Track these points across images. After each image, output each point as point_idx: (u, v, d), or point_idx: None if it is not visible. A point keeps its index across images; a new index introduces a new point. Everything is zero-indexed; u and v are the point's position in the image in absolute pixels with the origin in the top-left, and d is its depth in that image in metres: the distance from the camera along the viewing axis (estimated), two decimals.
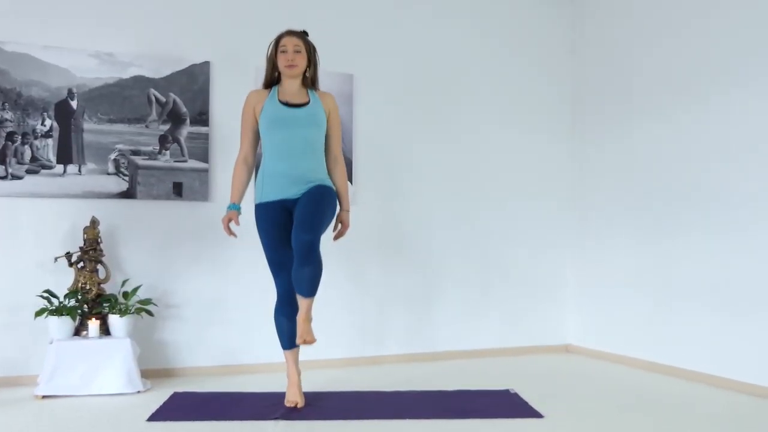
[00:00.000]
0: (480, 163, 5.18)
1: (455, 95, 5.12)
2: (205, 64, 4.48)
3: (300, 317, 3.26)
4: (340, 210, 3.62)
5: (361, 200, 4.73)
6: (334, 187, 3.53)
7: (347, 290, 4.74)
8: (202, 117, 4.46)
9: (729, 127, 4.07)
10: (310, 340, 3.23)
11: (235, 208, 3.47)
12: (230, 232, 3.46)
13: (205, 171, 4.44)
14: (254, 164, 3.57)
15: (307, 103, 3.46)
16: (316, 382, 3.99)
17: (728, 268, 4.02)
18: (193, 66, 4.45)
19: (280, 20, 4.63)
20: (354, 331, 4.77)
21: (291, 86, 3.50)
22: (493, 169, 5.22)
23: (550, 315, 5.35)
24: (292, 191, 3.40)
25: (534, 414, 3.35)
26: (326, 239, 3.48)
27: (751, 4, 3.95)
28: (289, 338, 3.49)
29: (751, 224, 3.90)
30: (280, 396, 3.65)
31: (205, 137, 4.46)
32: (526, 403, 3.58)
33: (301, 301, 3.27)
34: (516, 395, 3.76)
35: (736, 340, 3.97)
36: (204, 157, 4.45)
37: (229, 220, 3.45)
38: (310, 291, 3.25)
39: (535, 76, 5.38)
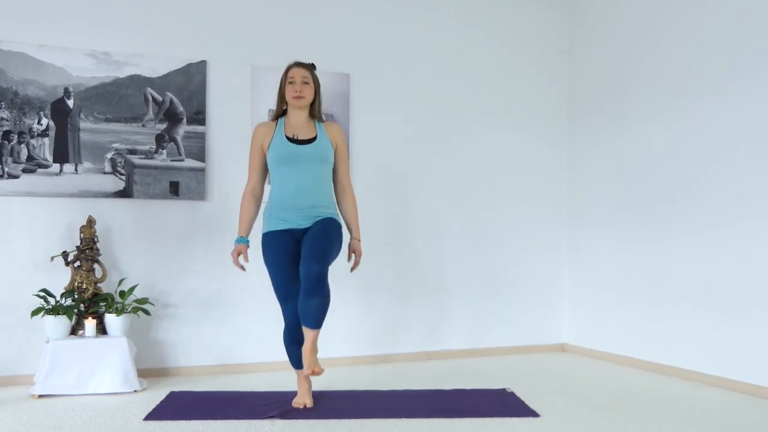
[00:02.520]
0: (475, 163, 5.18)
1: (451, 95, 5.13)
2: (202, 63, 4.48)
3: (306, 349, 3.25)
4: (351, 239, 3.61)
5: (360, 199, 4.72)
6: (341, 220, 3.56)
7: (352, 290, 4.74)
8: (198, 116, 4.46)
9: (718, 127, 4.09)
10: (317, 372, 3.24)
11: (243, 242, 3.48)
12: (239, 266, 3.48)
13: (202, 170, 4.44)
14: (261, 197, 3.57)
15: (314, 138, 3.46)
16: (319, 381, 3.98)
17: (720, 268, 4.04)
18: (190, 65, 4.45)
19: (277, 20, 4.65)
20: (358, 330, 4.78)
21: (298, 119, 3.50)
22: (487, 169, 5.22)
23: (546, 315, 5.36)
24: (300, 222, 3.41)
25: (530, 413, 3.36)
26: (339, 269, 3.49)
27: (741, 7, 3.96)
28: (298, 361, 3.48)
29: (741, 224, 3.92)
30: (277, 395, 3.66)
31: (202, 136, 4.46)
32: (523, 402, 3.58)
33: (307, 333, 3.25)
34: (512, 394, 3.77)
35: (728, 339, 3.99)
36: (200, 156, 4.45)
37: (239, 254, 3.46)
38: (317, 323, 3.24)
39: (530, 77, 5.39)
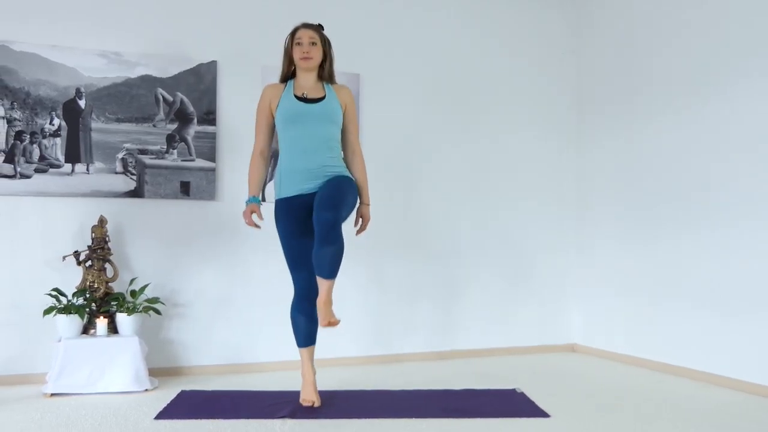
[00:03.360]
0: (484, 163, 5.18)
1: (460, 95, 5.13)
2: (212, 64, 4.49)
3: (321, 300, 3.21)
4: (360, 204, 3.59)
5: (371, 197, 4.72)
6: (354, 178, 3.53)
7: (365, 288, 4.74)
8: (209, 116, 4.48)
9: (727, 127, 4.07)
10: (334, 322, 3.20)
11: (255, 201, 3.45)
12: (253, 224, 3.44)
13: (212, 170, 4.46)
14: (270, 157, 3.56)
15: (322, 98, 3.45)
16: (330, 380, 3.99)
17: (730, 267, 4.02)
18: (200, 65, 4.46)
19: (287, 20, 4.64)
20: (368, 330, 4.79)
21: (307, 80, 3.49)
22: (496, 169, 5.22)
23: (556, 315, 5.35)
24: (310, 185, 3.39)
25: (540, 413, 3.35)
26: (348, 234, 3.47)
27: (751, 5, 3.94)
28: (305, 336, 3.49)
29: (752, 223, 3.90)
30: (288, 395, 3.67)
31: (212, 136, 4.47)
32: (533, 402, 3.58)
33: (322, 284, 3.21)
34: (522, 394, 3.76)
35: (737, 339, 3.97)
36: (211, 156, 4.46)
37: (252, 212, 3.43)
38: (331, 272, 3.20)
39: (538, 76, 5.37)
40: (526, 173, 5.30)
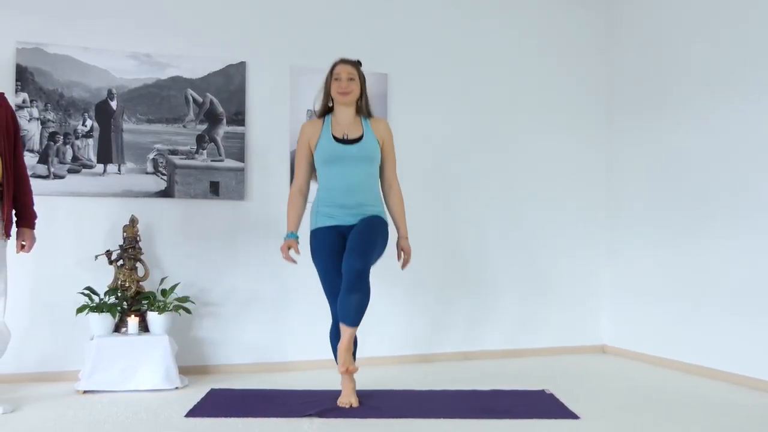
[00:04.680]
0: (513, 165, 5.14)
1: (489, 96, 5.10)
2: (241, 65, 4.52)
3: (341, 346, 3.28)
4: (399, 237, 3.64)
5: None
6: (388, 218, 3.58)
7: (395, 289, 4.74)
8: (238, 117, 4.51)
9: (761, 128, 3.99)
10: (351, 370, 3.29)
11: (293, 237, 3.50)
12: (290, 259, 3.49)
13: (241, 170, 4.49)
14: (308, 194, 3.60)
15: (360, 137, 3.48)
16: (359, 380, 3.98)
17: (761, 270, 3.94)
18: (230, 66, 4.50)
19: (315, 21, 4.68)
20: (399, 330, 4.80)
21: (345, 116, 3.53)
22: (526, 171, 5.18)
23: (586, 316, 5.30)
24: (347, 219, 3.45)
25: (570, 415, 3.32)
26: (388, 270, 3.55)
27: None
28: None
29: None
30: (316, 394, 3.68)
31: (241, 137, 4.51)
32: (562, 403, 3.55)
33: (344, 330, 3.27)
34: (551, 396, 3.73)
35: None
36: (240, 156, 4.49)
37: (289, 248, 3.48)
38: (355, 320, 3.26)
39: (568, 78, 5.32)
40: (555, 174, 5.25)
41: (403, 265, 3.65)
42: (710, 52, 4.37)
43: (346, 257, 3.28)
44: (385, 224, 3.51)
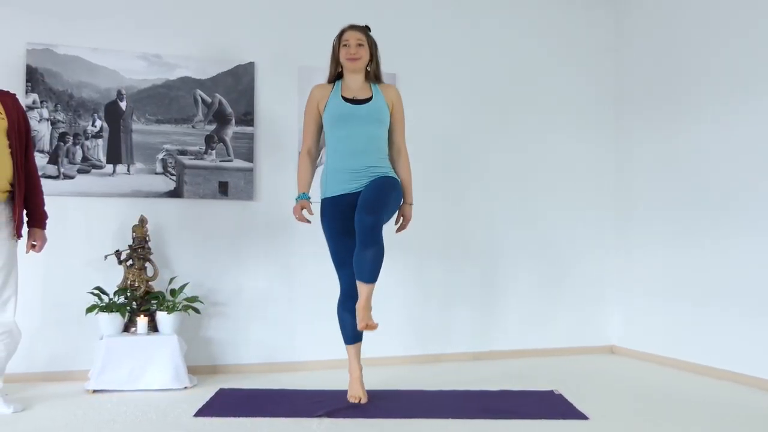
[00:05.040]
0: (522, 163, 5.13)
1: (498, 95, 5.09)
2: (250, 65, 4.53)
3: (360, 304, 3.26)
4: (403, 203, 3.62)
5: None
6: (398, 179, 3.55)
7: (405, 288, 4.75)
8: (247, 117, 4.52)
9: None
10: (372, 326, 3.24)
11: (305, 197, 3.49)
12: (304, 219, 3.48)
13: (250, 170, 4.50)
14: (317, 156, 3.61)
15: (369, 99, 3.48)
16: (368, 379, 3.98)
17: None
18: (238, 67, 4.51)
19: (324, 20, 4.67)
20: (408, 330, 4.79)
21: (354, 81, 3.53)
22: (535, 169, 5.17)
23: (595, 316, 5.28)
24: (356, 185, 3.43)
25: (579, 415, 3.31)
26: (388, 232, 3.48)
27: None
28: (351, 333, 3.52)
29: None
30: (325, 393, 3.69)
31: (250, 137, 4.52)
32: (571, 404, 3.54)
33: (361, 288, 3.26)
34: (560, 396, 3.72)
35: None
36: (249, 156, 4.50)
37: (302, 208, 3.46)
38: (371, 276, 3.24)
39: (577, 75, 5.30)
40: (564, 173, 5.24)
41: (398, 230, 3.64)
42: (722, 50, 4.35)
43: (358, 213, 3.25)
44: (397, 183, 3.49)
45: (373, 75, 3.58)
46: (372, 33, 3.62)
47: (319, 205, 3.53)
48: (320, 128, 3.58)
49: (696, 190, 4.52)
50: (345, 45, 3.49)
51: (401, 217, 3.63)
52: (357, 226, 3.24)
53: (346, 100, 3.46)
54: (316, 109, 3.54)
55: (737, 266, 4.19)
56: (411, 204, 3.64)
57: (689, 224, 4.57)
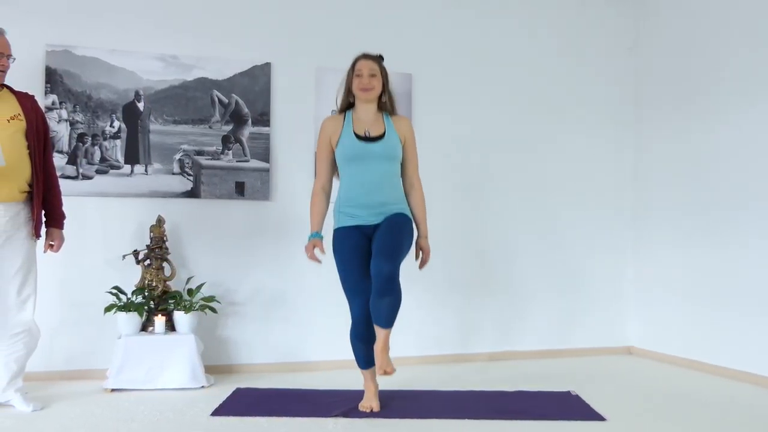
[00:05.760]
0: (540, 164, 5.11)
1: (515, 95, 5.07)
2: (266, 66, 4.54)
3: (378, 348, 3.23)
4: (419, 237, 3.55)
5: (426, 199, 4.70)
6: (411, 215, 3.50)
7: (423, 290, 4.73)
8: (263, 117, 4.53)
9: None
10: (390, 371, 3.22)
11: (317, 236, 3.44)
12: (315, 259, 3.44)
13: (267, 171, 4.51)
14: (330, 192, 3.54)
15: (382, 135, 3.41)
16: (385, 380, 3.97)
17: None
18: (255, 67, 4.52)
19: (339, 21, 4.68)
20: (428, 331, 4.80)
21: (366, 113, 3.45)
22: (553, 171, 5.14)
23: (612, 317, 5.25)
24: (370, 219, 3.38)
25: (596, 417, 3.30)
26: (412, 270, 3.53)
27: None
28: (365, 360, 3.44)
29: None
30: (341, 393, 3.69)
31: (267, 137, 4.53)
32: (588, 405, 3.52)
33: (379, 332, 3.23)
34: (577, 397, 3.71)
35: None
36: (265, 157, 4.52)
37: (314, 247, 3.42)
38: (389, 322, 3.21)
39: (596, 76, 5.27)
40: (582, 174, 5.21)
41: (421, 265, 3.60)
42: (743, 51, 4.31)
43: (374, 260, 3.22)
44: (410, 221, 3.45)
45: (388, 106, 3.50)
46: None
47: (331, 235, 3.49)
48: (333, 164, 3.50)
49: (715, 190, 4.48)
50: (358, 75, 3.42)
51: (420, 251, 3.57)
52: (374, 275, 3.19)
53: (359, 137, 3.39)
54: (329, 144, 3.46)
55: (756, 267, 4.14)
56: (427, 237, 3.56)
57: (708, 225, 4.53)
